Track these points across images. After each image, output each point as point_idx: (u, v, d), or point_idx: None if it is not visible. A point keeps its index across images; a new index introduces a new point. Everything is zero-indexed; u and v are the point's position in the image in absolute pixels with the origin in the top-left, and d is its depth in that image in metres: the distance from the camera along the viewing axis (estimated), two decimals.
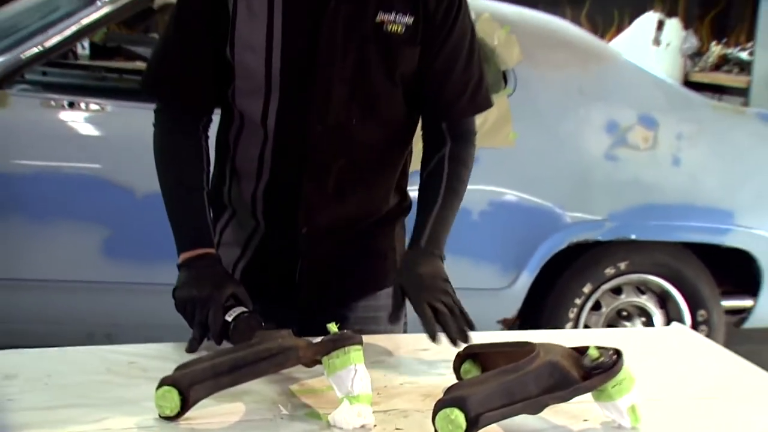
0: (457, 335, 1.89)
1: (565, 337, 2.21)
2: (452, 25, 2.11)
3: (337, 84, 2.06)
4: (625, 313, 4.27)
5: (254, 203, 2.16)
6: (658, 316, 4.27)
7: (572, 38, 4.43)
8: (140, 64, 4.89)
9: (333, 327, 1.77)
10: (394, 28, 2.03)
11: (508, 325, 4.11)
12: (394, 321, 2.11)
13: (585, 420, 1.74)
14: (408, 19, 2.04)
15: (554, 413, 1.72)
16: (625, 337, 2.71)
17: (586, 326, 4.27)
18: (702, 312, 4.12)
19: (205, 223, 2.11)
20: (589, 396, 1.70)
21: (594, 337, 2.56)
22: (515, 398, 1.63)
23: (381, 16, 2.02)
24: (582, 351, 1.73)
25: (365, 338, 1.91)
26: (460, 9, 2.11)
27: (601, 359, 1.66)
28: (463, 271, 3.48)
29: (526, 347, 1.77)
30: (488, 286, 3.93)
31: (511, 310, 4.01)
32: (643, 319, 4.32)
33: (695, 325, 4.28)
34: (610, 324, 4.35)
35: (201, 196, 2.10)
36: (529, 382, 1.65)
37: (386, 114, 2.13)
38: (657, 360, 2.16)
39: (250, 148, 2.14)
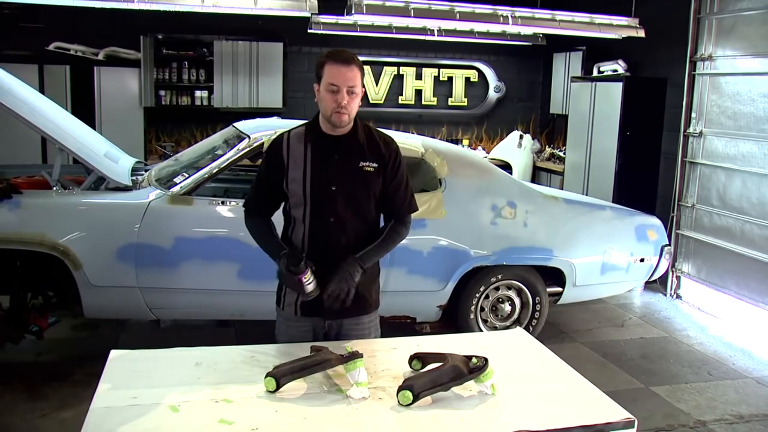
0: (331, 305, 2.40)
1: (458, 341, 2.67)
2: (397, 168, 2.57)
3: (340, 198, 2.49)
4: (500, 299, 4.87)
5: None
6: (517, 300, 4.91)
7: (474, 161, 5.14)
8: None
9: (349, 348, 2.20)
10: (368, 168, 2.52)
11: (443, 308, 4.62)
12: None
13: (470, 390, 2.20)
14: (375, 164, 2.52)
15: (456, 389, 2.17)
16: (487, 338, 3.24)
17: (482, 308, 4.77)
18: (538, 297, 4.88)
19: (277, 245, 2.54)
20: (473, 381, 2.19)
21: (472, 337, 3.16)
22: (437, 383, 2.11)
23: (362, 163, 2.51)
24: (469, 358, 2.19)
25: (363, 342, 2.49)
26: (400, 159, 2.58)
27: (478, 363, 2.17)
28: (419, 282, 4.37)
29: (442, 356, 2.23)
30: (432, 289, 4.56)
31: (444, 300, 4.63)
32: (510, 301, 4.89)
33: (534, 304, 4.87)
34: (493, 304, 4.84)
35: (274, 237, 2.58)
36: (443, 375, 2.13)
37: (365, 213, 2.58)
38: (504, 352, 2.53)
39: (298, 235, 2.58)
